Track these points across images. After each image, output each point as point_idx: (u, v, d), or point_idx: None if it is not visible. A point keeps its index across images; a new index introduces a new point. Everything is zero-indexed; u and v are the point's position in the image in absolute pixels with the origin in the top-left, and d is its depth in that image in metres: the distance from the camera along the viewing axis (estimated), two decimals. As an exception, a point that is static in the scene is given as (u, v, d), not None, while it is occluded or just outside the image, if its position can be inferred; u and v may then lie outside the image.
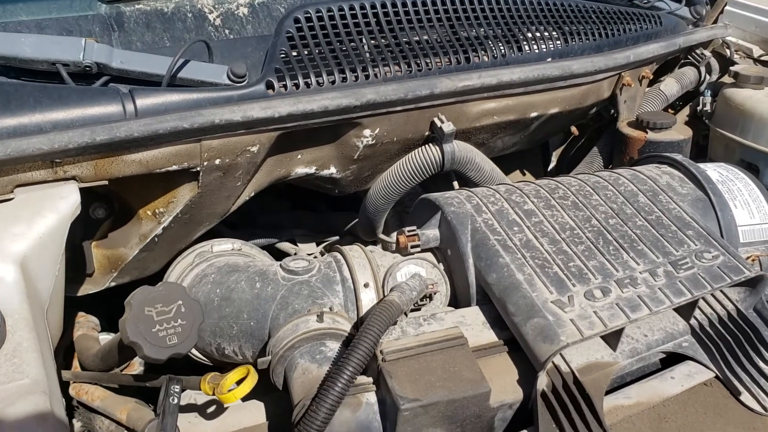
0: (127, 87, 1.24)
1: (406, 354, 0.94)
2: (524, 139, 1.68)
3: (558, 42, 1.55)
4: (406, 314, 1.01)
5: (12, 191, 1.11)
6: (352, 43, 1.35)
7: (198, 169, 1.23)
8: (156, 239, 1.33)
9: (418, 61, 1.38)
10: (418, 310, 1.11)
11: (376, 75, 1.34)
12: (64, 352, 1.35)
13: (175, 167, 1.20)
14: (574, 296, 0.99)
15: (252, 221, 1.80)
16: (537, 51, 1.52)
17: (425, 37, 1.43)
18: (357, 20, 1.38)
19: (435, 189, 1.71)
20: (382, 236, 1.71)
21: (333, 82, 1.30)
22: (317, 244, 1.87)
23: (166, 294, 0.97)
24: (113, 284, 1.40)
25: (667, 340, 1.05)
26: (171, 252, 1.41)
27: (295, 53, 1.30)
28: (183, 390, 0.97)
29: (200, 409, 1.07)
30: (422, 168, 1.41)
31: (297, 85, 1.27)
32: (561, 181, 1.26)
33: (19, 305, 0.94)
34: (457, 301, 1.16)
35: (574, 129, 1.82)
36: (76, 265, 1.35)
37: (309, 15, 1.34)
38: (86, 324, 1.46)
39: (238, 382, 0.98)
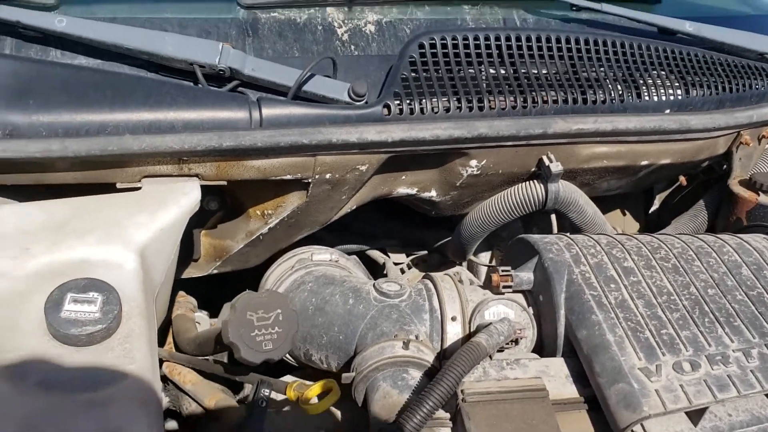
0: (255, 94, 1.31)
1: (486, 398, 0.96)
2: (630, 183, 1.66)
3: (679, 92, 1.52)
4: (490, 357, 1.03)
5: (139, 181, 1.19)
6: (471, 72, 1.37)
7: (309, 180, 1.28)
8: (261, 237, 1.40)
9: (534, 96, 1.39)
10: (502, 351, 1.13)
11: (491, 106, 1.35)
12: (163, 329, 1.45)
13: (289, 176, 1.26)
14: (662, 366, 0.98)
15: (345, 226, 1.85)
16: (656, 99, 1.49)
17: (544, 72, 1.43)
18: (480, 50, 1.40)
19: (533, 224, 1.72)
20: (472, 257, 1.73)
21: (447, 110, 1.33)
22: (407, 256, 1.90)
23: (267, 301, 1.03)
24: (215, 272, 1.49)
25: (752, 423, 1.02)
26: (272, 250, 1.48)
27: (414, 78, 1.33)
28: (270, 393, 1.03)
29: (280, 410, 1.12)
30: (524, 204, 1.42)
31: (412, 110, 1.31)
32: (664, 240, 1.24)
33: (136, 293, 1.01)
34: (542, 347, 1.17)
35: (682, 179, 1.77)
36: (184, 250, 1.44)
37: (434, 42, 1.37)
38: (185, 304, 1.56)
39: (321, 395, 1.03)
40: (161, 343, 1.40)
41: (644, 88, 1.49)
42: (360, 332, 1.13)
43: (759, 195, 1.58)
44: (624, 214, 2.01)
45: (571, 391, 1.03)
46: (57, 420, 0.83)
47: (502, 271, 1.18)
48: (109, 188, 1.19)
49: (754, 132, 1.65)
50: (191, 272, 1.49)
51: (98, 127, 1.16)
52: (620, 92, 1.46)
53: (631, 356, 1.00)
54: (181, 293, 1.58)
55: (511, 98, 1.38)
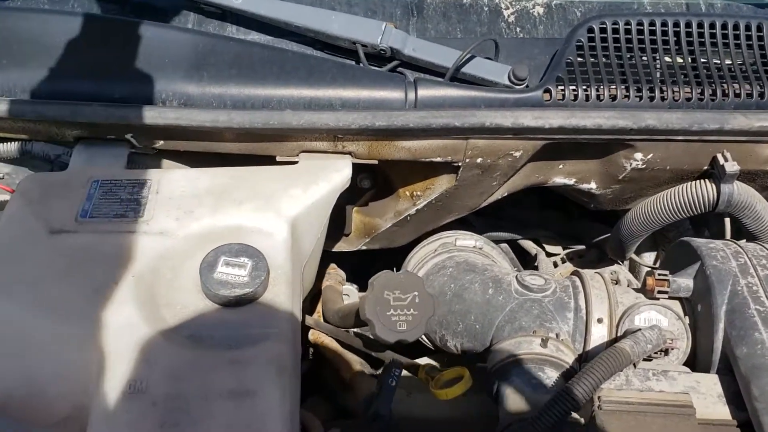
0: (413, 74, 1.31)
1: (625, 408, 0.91)
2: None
3: None
4: (635, 365, 0.97)
5: (297, 155, 1.24)
6: (644, 60, 1.28)
7: (459, 164, 1.27)
8: (408, 218, 1.41)
9: (713, 88, 1.27)
10: (650, 360, 1.05)
11: (662, 97, 1.25)
12: (312, 297, 1.50)
13: (439, 159, 1.26)
14: (836, 400, 0.87)
15: (499, 211, 1.81)
16: None
17: (728, 62, 1.30)
18: (655, 37, 1.30)
19: (705, 227, 1.59)
20: (633, 256, 1.63)
21: (614, 98, 1.25)
22: (563, 249, 1.83)
23: (405, 282, 1.03)
24: (364, 248, 1.52)
25: None
26: (419, 231, 1.48)
27: (580, 62, 1.27)
28: (401, 372, 1.03)
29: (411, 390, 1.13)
30: (692, 204, 1.30)
31: (576, 97, 1.24)
32: None
33: (284, 261, 1.06)
34: (696, 361, 1.08)
35: None
36: (337, 224, 1.48)
37: (605, 26, 1.29)
38: (334, 276, 1.61)
39: (452, 381, 1.02)
40: (310, 311, 1.46)
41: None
42: (497, 324, 1.11)
43: None
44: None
45: (722, 412, 0.95)
46: (199, 372, 0.89)
47: (659, 274, 1.10)
48: (270, 160, 1.25)
49: None
50: (342, 246, 1.54)
51: (263, 101, 1.22)
52: (817, 87, 1.30)
53: (796, 383, 0.89)
54: (333, 265, 1.63)
55: (686, 89, 1.27)
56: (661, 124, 1.20)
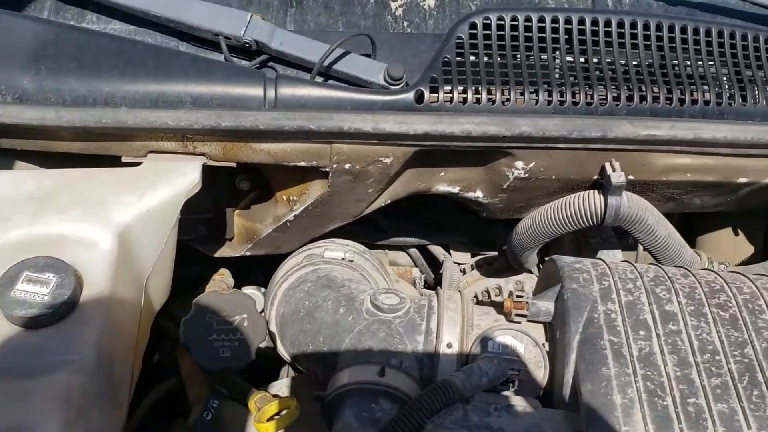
0: (285, 71, 1.21)
1: (446, 451, 0.81)
2: (732, 202, 1.39)
3: (803, 96, 1.23)
4: (468, 400, 0.87)
5: (145, 155, 1.14)
6: (530, 60, 1.19)
7: (327, 169, 1.17)
8: (288, 224, 1.31)
9: (603, 92, 1.18)
10: (504, 387, 0.96)
11: (548, 102, 1.16)
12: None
13: (303, 163, 1.16)
14: (675, 447, 0.78)
15: (413, 215, 1.72)
16: (767, 103, 1.22)
17: (622, 63, 1.21)
18: (544, 34, 1.20)
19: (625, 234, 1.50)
20: (534, 272, 1.55)
21: (493, 102, 1.15)
22: (472, 256, 1.74)
23: (233, 305, 0.95)
24: (248, 254, 1.42)
25: None
26: (304, 238, 1.38)
27: (459, 62, 1.17)
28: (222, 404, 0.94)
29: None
30: (578, 217, 1.21)
31: (451, 100, 1.15)
32: (733, 281, 1.00)
33: (103, 277, 0.96)
34: (552, 393, 0.99)
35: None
36: (217, 228, 1.38)
37: (489, 22, 1.19)
38: (218, 284, 1.51)
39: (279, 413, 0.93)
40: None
41: (754, 89, 1.22)
42: (344, 347, 1.01)
43: None
44: (736, 234, 1.71)
45: (561, 456, 0.86)
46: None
47: (517, 296, 1.01)
48: (115, 160, 1.15)
49: None
50: (225, 251, 1.44)
51: (106, 96, 1.11)
52: (719, 93, 1.21)
53: (637, 428, 0.80)
54: (221, 271, 1.54)
55: (573, 94, 1.17)
56: (537, 132, 1.11)
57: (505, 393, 0.96)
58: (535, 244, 1.32)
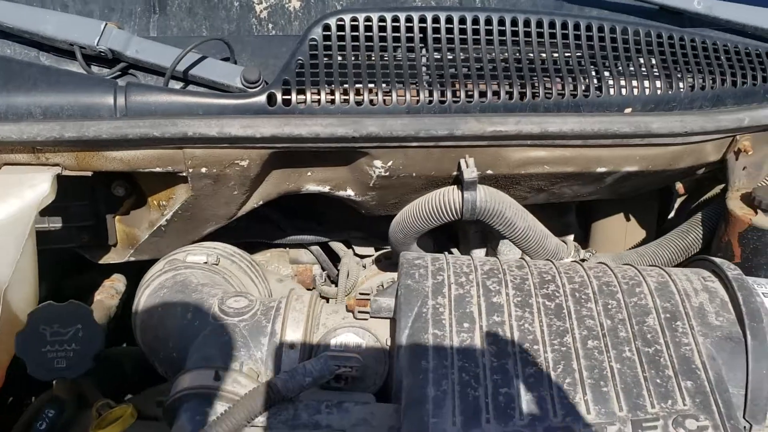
0: (143, 77, 1.22)
1: (262, 451, 0.83)
2: (604, 190, 1.42)
3: (658, 85, 1.26)
4: (292, 400, 0.89)
5: (0, 167, 1.14)
6: (384, 60, 1.20)
7: (184, 174, 1.18)
8: (162, 228, 1.32)
9: (456, 89, 1.20)
10: (339, 383, 0.98)
11: (399, 101, 1.18)
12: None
13: (158, 169, 1.17)
14: (479, 437, 0.81)
15: (320, 214, 1.73)
16: (623, 94, 1.25)
17: (476, 58, 1.23)
18: (399, 34, 1.22)
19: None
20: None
21: (347, 102, 1.17)
22: (376, 250, 1.76)
23: (66, 315, 0.95)
24: (132, 259, 1.43)
25: None
26: (184, 240, 1.39)
27: (312, 64, 1.18)
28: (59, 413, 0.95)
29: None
30: (439, 213, 1.24)
31: (303, 102, 1.16)
32: (566, 271, 1.03)
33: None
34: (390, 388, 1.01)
35: (679, 186, 1.51)
36: (100, 234, 1.39)
37: (343, 23, 1.21)
38: (107, 290, 1.52)
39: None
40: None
41: (609, 80, 1.25)
42: (190, 352, 1.03)
43: (756, 213, 1.30)
44: (628, 220, 1.75)
45: (385, 449, 0.88)
46: None
47: (360, 293, 1.03)
48: (-29, 174, 1.14)
49: (762, 137, 1.36)
50: (110, 257, 1.44)
51: (-46, 110, 1.11)
52: (573, 85, 1.23)
53: (445, 420, 0.83)
54: (113, 277, 1.55)
55: (427, 91, 1.19)
56: (385, 132, 1.13)
57: (341, 390, 0.98)
58: (407, 239, 1.34)
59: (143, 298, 1.17)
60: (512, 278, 1.00)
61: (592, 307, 0.97)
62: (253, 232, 1.67)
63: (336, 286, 1.74)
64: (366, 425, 0.90)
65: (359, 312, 1.03)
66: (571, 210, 1.76)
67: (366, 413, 0.92)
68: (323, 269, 1.76)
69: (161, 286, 1.16)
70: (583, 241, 1.76)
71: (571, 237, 1.69)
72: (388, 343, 1.04)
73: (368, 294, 1.04)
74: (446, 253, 1.11)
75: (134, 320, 1.18)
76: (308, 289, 1.72)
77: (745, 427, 0.90)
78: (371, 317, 1.04)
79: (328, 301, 1.71)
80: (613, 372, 0.89)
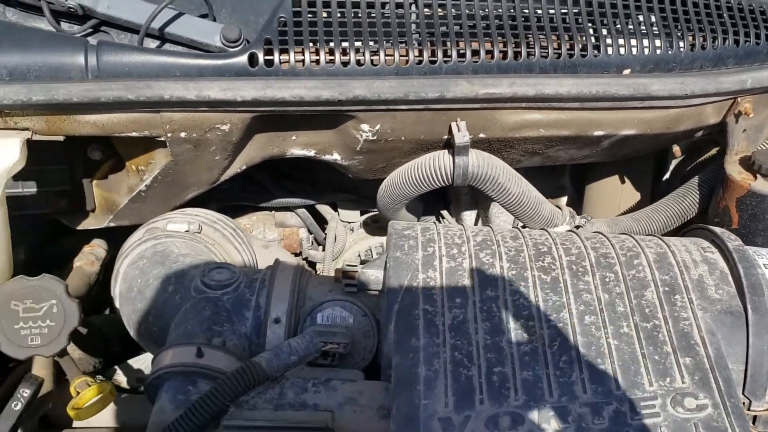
0: (117, 35, 1.15)
1: (246, 433, 0.80)
2: (600, 154, 1.37)
3: (657, 44, 1.20)
4: (277, 379, 0.86)
5: (-33, 134, 1.08)
6: (371, 17, 1.14)
7: (163, 139, 1.12)
8: (142, 194, 1.27)
9: (447, 49, 1.13)
10: (327, 360, 0.95)
11: (387, 61, 1.12)
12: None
13: (135, 134, 1.11)
14: (471, 418, 0.78)
15: (311, 175, 1.67)
16: (621, 54, 1.19)
17: (469, 15, 1.16)
18: (387, -12, 1.15)
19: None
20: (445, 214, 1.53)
21: (332, 62, 1.11)
22: (361, 213, 1.72)
23: (39, 290, 0.90)
24: (112, 225, 1.37)
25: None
26: (166, 206, 1.33)
27: (296, 22, 1.11)
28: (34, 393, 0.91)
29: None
30: (429, 178, 1.19)
31: (285, 62, 1.10)
32: (562, 242, 0.99)
33: None
34: (381, 362, 0.98)
35: (676, 149, 1.46)
36: (77, 200, 1.33)
37: (328, -25, 1.14)
38: (86, 256, 1.47)
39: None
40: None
41: (606, 39, 1.20)
42: (171, 327, 0.98)
43: (755, 178, 1.26)
44: (623, 182, 1.71)
45: (375, 428, 0.85)
46: None
47: (347, 265, 0.99)
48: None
49: (763, 99, 1.31)
50: (89, 223, 1.39)
51: None
52: (570, 44, 1.18)
53: (437, 400, 0.79)
54: (94, 242, 1.50)
55: (417, 50, 1.13)
56: (372, 95, 1.07)
57: (329, 367, 0.94)
58: (396, 204, 1.30)
59: (122, 269, 1.12)
60: (506, 250, 0.96)
61: (589, 280, 0.93)
62: (238, 196, 1.62)
63: (323, 250, 1.71)
64: (354, 404, 0.87)
65: (347, 285, 0.99)
66: (565, 172, 1.72)
67: (354, 391, 0.89)
68: (310, 232, 1.72)
69: (141, 256, 1.11)
70: (577, 203, 1.72)
71: (564, 200, 1.66)
72: (377, 315, 1.00)
73: (356, 266, 0.99)
74: (436, 221, 1.07)
75: (113, 291, 1.13)
76: (295, 254, 1.68)
77: (744, 402, 0.87)
78: (358, 290, 1.00)
79: (315, 267, 1.67)
80: (611, 349, 0.85)
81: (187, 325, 0.96)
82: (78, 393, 0.93)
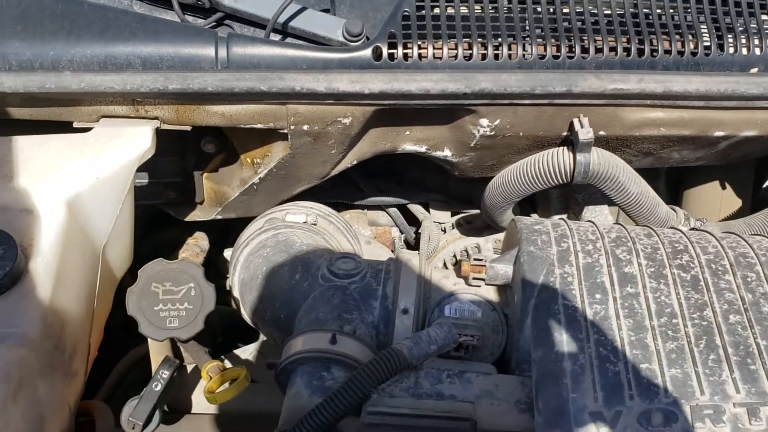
0: (240, 28, 1.17)
1: (391, 420, 0.80)
2: (712, 156, 1.34)
3: (784, 43, 1.17)
4: (416, 367, 0.86)
5: (97, 120, 1.11)
6: (493, 12, 1.13)
7: (285, 131, 1.13)
8: (254, 187, 1.28)
9: (572, 43, 1.12)
10: (459, 352, 0.94)
11: (510, 55, 1.11)
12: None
13: (260, 125, 1.13)
14: (623, 413, 0.76)
15: (393, 174, 1.68)
16: (747, 53, 1.16)
17: (593, 12, 1.15)
18: (510, -17, 1.15)
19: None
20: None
21: (455, 57, 1.11)
22: (452, 214, 1.71)
23: (178, 273, 0.92)
24: (219, 217, 1.40)
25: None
26: (274, 200, 1.35)
27: (419, 16, 1.12)
28: (176, 372, 0.92)
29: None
30: (547, 175, 1.17)
31: (409, 56, 1.10)
32: (698, 241, 0.97)
33: (50, 248, 0.94)
34: (511, 357, 0.97)
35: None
36: (187, 191, 1.36)
37: (452, -30, 1.14)
38: (192, 248, 1.49)
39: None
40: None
41: (731, 37, 1.17)
42: (299, 314, 0.99)
43: None
44: (723, 188, 1.66)
45: (513, 422, 0.84)
46: None
47: (475, 259, 0.98)
48: (67, 126, 1.12)
49: None
50: (197, 215, 1.42)
51: (52, 60, 1.08)
52: (694, 43, 1.15)
53: (586, 395, 0.78)
54: (196, 235, 1.52)
55: (540, 45, 1.12)
56: (498, 88, 1.06)
57: (460, 359, 0.94)
58: (506, 203, 1.29)
59: (242, 257, 1.14)
60: (642, 247, 0.95)
61: (730, 279, 0.91)
62: (333, 193, 1.63)
63: (414, 250, 1.70)
64: (491, 397, 0.86)
65: (474, 279, 0.98)
66: (660, 176, 1.68)
67: (490, 384, 0.88)
68: (401, 232, 1.72)
69: (262, 245, 1.12)
70: (672, 208, 1.68)
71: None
72: (504, 310, 0.99)
73: (483, 260, 0.99)
74: (563, 219, 1.05)
75: (231, 279, 1.15)
76: (388, 253, 1.68)
77: None
78: (486, 284, 0.99)
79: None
80: (760, 349, 0.83)
81: (318, 312, 0.96)
82: (210, 378, 0.94)
